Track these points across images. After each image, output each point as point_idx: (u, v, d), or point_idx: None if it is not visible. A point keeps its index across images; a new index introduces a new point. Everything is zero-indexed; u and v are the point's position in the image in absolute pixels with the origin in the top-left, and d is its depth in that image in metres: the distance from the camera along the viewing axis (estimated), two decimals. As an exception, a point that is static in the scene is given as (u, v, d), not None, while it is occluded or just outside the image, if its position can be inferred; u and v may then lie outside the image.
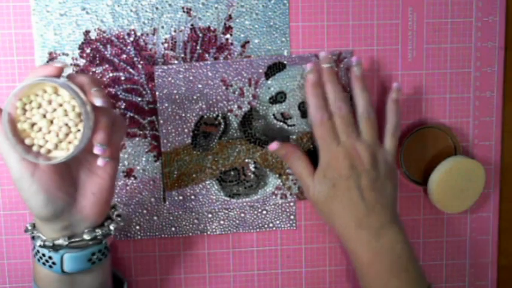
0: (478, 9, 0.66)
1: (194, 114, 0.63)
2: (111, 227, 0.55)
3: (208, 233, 0.66)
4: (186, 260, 0.66)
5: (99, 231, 0.54)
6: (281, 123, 0.64)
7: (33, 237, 0.54)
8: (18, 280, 0.64)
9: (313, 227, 0.67)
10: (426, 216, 0.68)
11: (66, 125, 0.48)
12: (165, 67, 0.62)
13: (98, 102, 0.48)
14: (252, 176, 0.65)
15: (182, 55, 0.63)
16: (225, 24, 0.63)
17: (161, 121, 0.63)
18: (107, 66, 0.62)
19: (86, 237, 0.53)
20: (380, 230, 0.58)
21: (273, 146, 0.62)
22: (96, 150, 0.49)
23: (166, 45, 0.63)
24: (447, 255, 0.69)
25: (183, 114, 0.63)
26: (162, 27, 0.63)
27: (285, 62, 0.64)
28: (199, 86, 0.63)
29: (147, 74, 0.63)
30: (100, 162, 0.50)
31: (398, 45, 0.65)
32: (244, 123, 0.64)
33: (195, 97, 0.63)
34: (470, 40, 0.66)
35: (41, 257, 0.53)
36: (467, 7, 0.65)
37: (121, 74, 0.63)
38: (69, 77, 0.49)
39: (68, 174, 0.52)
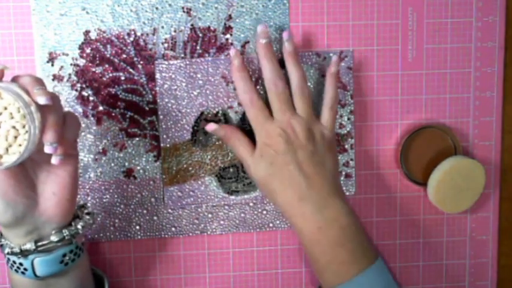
0: (478, 9, 0.66)
1: (194, 110, 0.63)
2: (79, 226, 0.54)
3: (208, 233, 0.66)
4: (186, 260, 0.66)
5: (66, 232, 0.53)
6: None
7: (1, 246, 0.53)
8: (18, 280, 0.64)
9: (313, 227, 0.67)
10: (426, 216, 0.68)
11: (14, 127, 0.47)
12: (166, 62, 0.62)
13: (41, 100, 0.47)
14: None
15: (182, 55, 0.63)
16: (225, 24, 0.63)
17: (161, 116, 0.63)
18: (106, 66, 0.62)
19: (54, 238, 0.52)
20: (322, 202, 0.57)
21: (211, 126, 0.62)
22: (47, 149, 0.48)
23: (166, 45, 0.63)
24: (447, 255, 0.69)
25: (183, 110, 0.63)
26: (162, 27, 0.63)
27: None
28: (200, 82, 0.63)
29: (147, 74, 0.63)
30: (54, 160, 0.49)
31: (398, 45, 0.65)
32: (244, 120, 0.64)
33: (195, 93, 0.63)
34: (470, 40, 0.66)
35: (12, 264, 0.53)
36: (467, 7, 0.65)
37: (121, 74, 0.63)
38: (13, 79, 0.49)
39: (25, 177, 0.51)
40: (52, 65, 0.62)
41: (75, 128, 0.52)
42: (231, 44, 0.63)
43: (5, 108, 0.47)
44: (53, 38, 0.62)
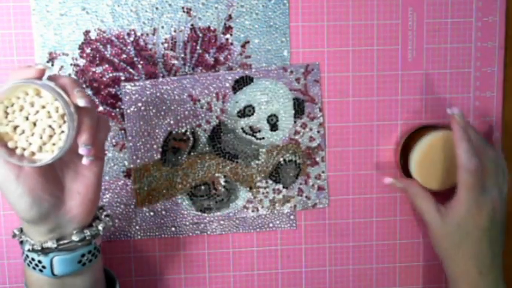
0: (478, 9, 0.66)
1: (163, 130, 0.63)
2: (100, 227, 0.54)
3: (208, 233, 0.66)
4: (186, 260, 0.66)
5: (87, 232, 0.53)
6: (250, 137, 0.64)
7: (21, 242, 0.53)
8: (18, 280, 0.64)
9: (313, 227, 0.67)
10: (426, 216, 0.68)
11: (50, 126, 0.47)
12: (132, 84, 0.62)
13: (82, 102, 0.47)
14: (223, 190, 0.65)
15: (182, 55, 0.63)
16: (225, 24, 0.63)
17: (129, 137, 0.63)
18: (106, 66, 0.62)
19: (75, 238, 0.52)
20: (495, 283, 0.59)
21: (387, 180, 0.64)
22: (81, 150, 0.48)
23: (166, 45, 0.63)
24: (447, 255, 0.69)
25: (152, 130, 0.63)
26: (162, 27, 0.63)
27: (252, 76, 0.63)
28: (167, 102, 0.63)
29: (147, 74, 0.63)
30: (85, 161, 0.50)
31: (398, 45, 0.65)
32: (213, 137, 0.64)
33: (162, 113, 0.63)
34: (470, 40, 0.66)
35: (30, 262, 0.53)
36: (467, 7, 0.65)
37: (121, 74, 0.63)
38: (51, 79, 0.49)
39: (53, 175, 0.51)
40: (52, 65, 0.62)
41: (106, 131, 0.53)
42: (231, 44, 0.63)
43: (43, 107, 0.47)
44: (53, 38, 0.62)
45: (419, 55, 0.66)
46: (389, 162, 0.67)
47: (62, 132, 0.48)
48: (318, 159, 0.66)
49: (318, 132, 0.65)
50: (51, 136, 0.48)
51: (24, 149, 0.48)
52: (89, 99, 0.48)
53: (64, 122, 0.47)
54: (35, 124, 0.47)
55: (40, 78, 0.48)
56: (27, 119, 0.47)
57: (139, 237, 0.65)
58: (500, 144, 0.67)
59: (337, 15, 0.64)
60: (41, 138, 0.47)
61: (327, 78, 0.65)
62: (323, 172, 0.66)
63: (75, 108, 0.48)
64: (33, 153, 0.48)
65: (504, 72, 0.67)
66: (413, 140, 0.65)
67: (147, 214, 0.64)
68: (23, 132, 0.47)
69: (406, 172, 0.65)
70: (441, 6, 0.65)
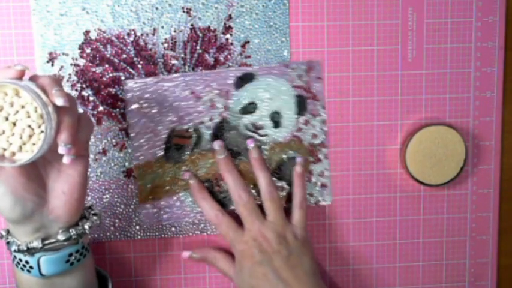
0: (478, 9, 0.66)
1: (165, 127, 0.63)
2: (86, 226, 0.54)
3: (208, 233, 0.66)
4: (186, 260, 0.66)
5: (73, 231, 0.53)
6: (253, 134, 0.64)
7: (8, 243, 0.53)
8: (18, 280, 0.65)
9: (313, 227, 0.67)
10: (426, 216, 0.68)
11: (29, 126, 0.47)
12: (134, 81, 0.62)
13: (59, 102, 0.47)
14: (226, 187, 0.65)
15: (182, 55, 0.63)
16: (225, 24, 0.63)
17: (132, 135, 0.63)
18: (106, 66, 0.62)
19: (60, 238, 0.52)
20: None
21: (185, 254, 0.65)
22: (61, 150, 0.48)
23: (166, 45, 0.63)
24: (447, 255, 0.69)
25: (155, 127, 0.63)
26: (162, 27, 0.63)
27: (254, 73, 0.63)
28: (170, 99, 0.63)
29: (147, 74, 0.63)
30: (65, 160, 0.49)
31: (399, 45, 0.65)
32: (216, 134, 0.64)
33: (165, 110, 0.63)
34: (470, 40, 0.66)
35: (18, 262, 0.53)
36: (467, 7, 0.65)
37: (121, 74, 0.63)
38: (31, 79, 0.49)
39: (35, 174, 0.51)
40: (52, 65, 0.62)
41: (88, 129, 0.53)
42: (231, 44, 0.63)
43: (22, 107, 0.47)
44: (53, 38, 0.62)
45: (420, 55, 0.66)
46: (389, 162, 0.67)
47: (42, 132, 0.47)
48: (320, 156, 0.66)
49: (321, 129, 0.65)
50: (30, 136, 0.47)
51: (4, 149, 0.48)
52: (67, 98, 0.48)
53: (43, 122, 0.47)
54: (14, 124, 0.47)
55: (20, 78, 0.48)
56: (7, 119, 0.47)
57: (139, 237, 0.65)
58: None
59: (337, 15, 0.64)
60: (21, 138, 0.47)
61: (327, 78, 0.65)
62: (326, 169, 0.66)
63: (55, 107, 0.48)
64: (13, 153, 0.48)
65: (504, 72, 0.67)
66: (417, 139, 0.65)
67: (151, 211, 0.64)
68: (3, 132, 0.47)
69: (410, 172, 0.65)
70: (441, 6, 0.65)
